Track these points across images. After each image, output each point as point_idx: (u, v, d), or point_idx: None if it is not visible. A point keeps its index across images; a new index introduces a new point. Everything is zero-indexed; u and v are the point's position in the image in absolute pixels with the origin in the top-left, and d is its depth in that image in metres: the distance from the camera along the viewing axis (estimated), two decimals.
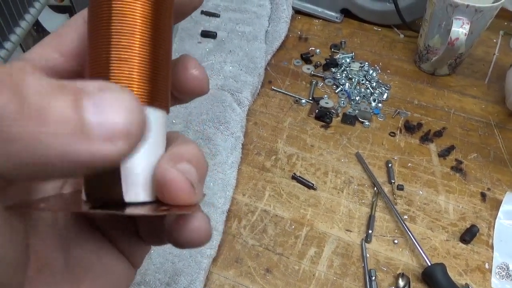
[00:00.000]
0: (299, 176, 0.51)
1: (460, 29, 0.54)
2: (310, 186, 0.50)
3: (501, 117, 0.59)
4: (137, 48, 0.15)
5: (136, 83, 0.15)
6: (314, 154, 0.54)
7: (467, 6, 0.54)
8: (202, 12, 0.70)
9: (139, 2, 0.15)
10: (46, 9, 0.38)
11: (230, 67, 0.60)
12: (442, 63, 0.62)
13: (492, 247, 0.45)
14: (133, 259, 0.20)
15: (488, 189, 0.50)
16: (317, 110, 0.59)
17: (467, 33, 0.54)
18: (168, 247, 0.42)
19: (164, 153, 0.17)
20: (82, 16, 0.17)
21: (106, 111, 0.12)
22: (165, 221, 0.18)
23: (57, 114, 0.11)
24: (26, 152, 0.10)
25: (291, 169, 0.52)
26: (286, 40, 0.70)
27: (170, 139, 0.18)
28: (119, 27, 0.14)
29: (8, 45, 0.30)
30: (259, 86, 0.62)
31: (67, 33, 0.17)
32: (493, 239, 0.46)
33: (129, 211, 0.15)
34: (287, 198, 0.49)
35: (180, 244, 0.17)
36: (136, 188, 0.16)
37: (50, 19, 0.46)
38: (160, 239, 0.20)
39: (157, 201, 0.16)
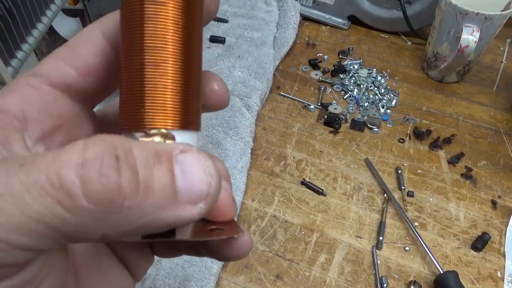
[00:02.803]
0: (309, 182, 0.50)
1: (470, 36, 0.54)
2: (319, 192, 0.50)
3: (510, 125, 0.59)
4: (170, 78, 0.15)
5: (171, 110, 0.15)
6: (323, 160, 0.54)
7: (477, 13, 0.54)
8: None
9: (170, 29, 0.15)
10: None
11: (239, 72, 0.60)
12: (450, 70, 0.62)
13: (504, 256, 0.45)
14: (136, 272, 0.20)
15: (499, 196, 0.50)
16: (325, 116, 0.58)
17: (477, 40, 0.54)
18: None
19: None
20: (98, 28, 0.16)
21: (192, 177, 0.13)
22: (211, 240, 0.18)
23: (159, 185, 0.12)
24: (130, 220, 0.12)
25: (300, 174, 0.52)
26: (294, 46, 0.71)
27: None
28: (153, 55, 0.15)
29: (25, 47, 0.30)
30: (268, 92, 0.62)
31: (82, 47, 0.16)
32: (505, 247, 0.45)
33: (180, 235, 0.15)
34: (297, 203, 0.49)
35: (226, 259, 0.18)
36: None
37: (62, 23, 0.47)
38: (177, 252, 0.20)
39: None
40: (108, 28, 0.16)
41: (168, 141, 0.15)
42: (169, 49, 0.15)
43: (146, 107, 0.15)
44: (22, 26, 0.29)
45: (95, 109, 0.19)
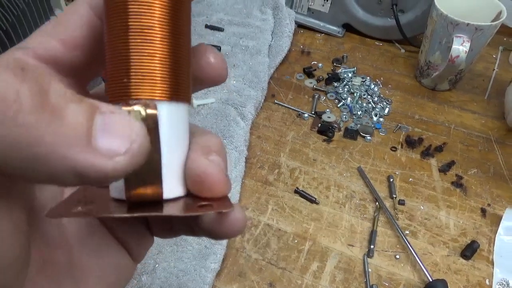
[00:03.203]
0: (302, 190, 0.51)
1: (460, 47, 0.55)
2: (312, 200, 0.51)
3: (501, 133, 0.60)
4: (158, 43, 0.14)
5: (159, 79, 0.14)
6: (317, 168, 0.55)
7: (468, 24, 0.55)
8: (206, 26, 0.71)
9: None
10: None
11: (234, 81, 0.61)
12: (442, 78, 0.63)
13: (492, 263, 0.45)
14: (135, 253, 0.19)
15: (488, 204, 0.51)
16: (319, 124, 0.59)
17: (467, 50, 0.55)
18: (173, 262, 0.42)
19: (192, 145, 0.16)
20: (85, 1, 0.16)
21: (114, 128, 0.12)
22: (201, 216, 0.17)
23: (71, 118, 0.11)
24: (26, 141, 0.10)
25: (293, 183, 0.53)
26: (289, 54, 0.72)
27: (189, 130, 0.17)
28: (137, 20, 0.14)
29: None
30: (262, 100, 0.62)
31: (69, 21, 0.15)
32: (493, 255, 0.46)
33: (168, 210, 0.15)
34: (290, 212, 0.50)
35: (219, 236, 0.17)
36: (170, 184, 0.15)
37: None
38: (174, 232, 0.19)
39: (189, 194, 0.16)
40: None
41: (149, 111, 0.14)
42: (156, 14, 0.14)
43: (132, 77, 0.14)
44: (32, 22, 0.30)
45: (91, 91, 0.18)
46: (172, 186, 0.16)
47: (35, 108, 0.10)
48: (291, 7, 0.77)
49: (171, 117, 0.15)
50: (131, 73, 0.14)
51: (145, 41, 0.14)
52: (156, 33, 0.14)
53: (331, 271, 0.44)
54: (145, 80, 0.14)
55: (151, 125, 0.14)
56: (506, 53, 0.74)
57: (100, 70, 0.17)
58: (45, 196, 0.17)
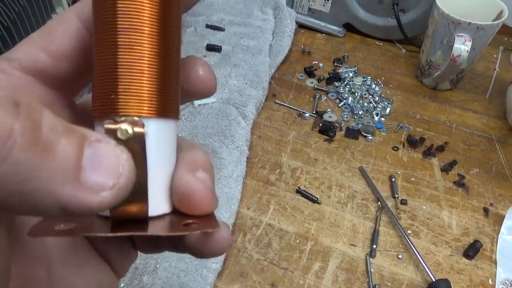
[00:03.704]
0: (303, 190, 0.51)
1: (462, 46, 0.55)
2: (314, 200, 0.50)
3: (502, 132, 0.60)
4: (146, 60, 0.14)
5: (147, 95, 0.14)
6: (318, 168, 0.54)
7: (469, 23, 0.55)
8: (207, 26, 0.71)
9: (147, 5, 0.14)
10: None
11: (235, 81, 0.61)
12: (443, 78, 0.63)
13: (495, 263, 0.45)
14: (119, 268, 0.19)
15: (491, 204, 0.51)
16: (320, 124, 0.59)
17: (469, 50, 0.55)
18: (174, 262, 0.42)
19: (179, 161, 0.16)
20: (74, 12, 0.16)
21: (102, 161, 0.12)
22: (188, 237, 0.17)
23: (62, 152, 0.11)
24: (18, 178, 0.10)
25: (295, 182, 0.52)
26: (290, 54, 0.71)
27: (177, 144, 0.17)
28: (127, 36, 0.14)
29: None
30: (263, 100, 0.62)
31: (56, 31, 0.15)
32: (496, 254, 0.46)
33: (153, 230, 0.15)
34: (292, 212, 0.49)
35: (203, 255, 0.17)
36: (155, 201, 0.15)
37: None
38: (158, 248, 0.19)
39: (174, 211, 0.16)
40: (84, 11, 0.15)
41: (136, 129, 0.14)
42: (145, 30, 0.14)
43: (119, 92, 0.14)
44: (34, 21, 0.30)
45: (78, 101, 0.18)
46: (157, 204, 0.15)
47: (28, 145, 0.10)
48: (291, 7, 0.77)
49: (158, 135, 0.15)
50: (119, 89, 0.14)
51: (134, 57, 0.14)
52: (145, 50, 0.14)
53: (333, 271, 0.44)
54: (132, 97, 0.14)
55: (138, 143, 0.14)
56: (507, 53, 0.74)
57: (87, 82, 0.17)
58: None
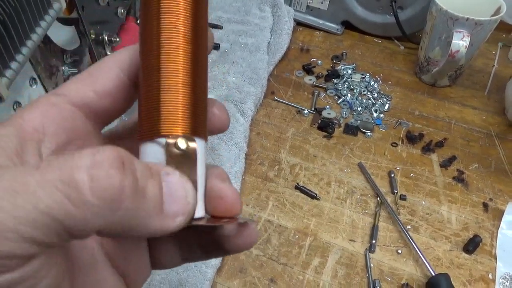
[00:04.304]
0: (302, 186, 0.51)
1: (460, 41, 0.55)
2: (313, 196, 0.50)
3: (501, 128, 0.60)
4: (181, 91, 0.17)
5: (195, 120, 0.17)
6: (317, 164, 0.54)
7: (467, 19, 0.55)
8: None
9: (181, 50, 0.17)
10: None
11: (233, 78, 0.61)
12: (442, 74, 0.63)
13: (495, 258, 0.45)
14: (133, 285, 0.20)
15: (490, 199, 0.51)
16: (319, 121, 0.59)
17: (467, 45, 0.55)
18: None
19: (208, 174, 0.19)
20: (112, 58, 0.19)
21: (176, 194, 0.15)
22: (221, 231, 0.20)
23: (151, 195, 0.14)
24: (125, 220, 0.14)
25: (294, 179, 0.52)
26: (288, 52, 0.71)
27: None
28: (166, 73, 0.17)
29: (19, 58, 0.31)
30: (262, 97, 0.62)
31: (100, 75, 0.19)
32: (496, 249, 0.46)
33: (205, 222, 0.17)
34: (291, 208, 0.49)
35: (236, 248, 0.19)
36: (198, 207, 0.18)
37: (57, 31, 0.47)
38: (184, 256, 0.21)
39: (205, 216, 0.19)
40: (121, 59, 0.19)
41: (191, 144, 0.17)
42: (180, 71, 0.17)
43: (163, 115, 0.17)
44: (16, 38, 0.30)
45: (104, 133, 0.21)
46: (199, 209, 0.18)
47: (133, 195, 0.13)
48: (290, 5, 0.77)
49: (201, 151, 0.18)
50: (163, 112, 0.17)
51: (176, 89, 0.17)
52: (191, 87, 0.17)
53: (333, 267, 0.44)
54: (176, 118, 0.17)
55: (190, 157, 0.17)
56: (506, 49, 0.74)
57: (119, 115, 0.21)
58: None
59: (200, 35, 0.18)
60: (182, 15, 0.17)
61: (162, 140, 0.17)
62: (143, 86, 0.18)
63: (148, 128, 0.17)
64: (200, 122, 0.18)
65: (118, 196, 0.13)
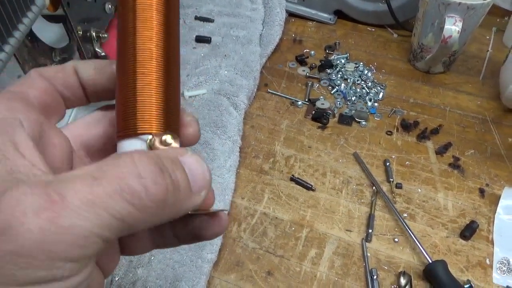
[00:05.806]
0: (298, 178, 0.51)
1: (452, 26, 0.55)
2: (308, 188, 0.50)
3: (496, 113, 0.60)
4: (154, 91, 0.19)
5: (174, 121, 0.20)
6: (312, 155, 0.54)
7: (459, 3, 0.54)
8: (196, 18, 0.70)
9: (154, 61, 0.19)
10: (39, 19, 0.39)
11: (226, 71, 0.60)
12: (436, 61, 0.62)
13: (492, 243, 0.45)
14: (105, 270, 0.21)
15: (487, 184, 0.50)
16: (313, 112, 0.59)
17: (460, 30, 0.54)
18: (169, 254, 0.42)
19: None
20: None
21: (196, 173, 0.18)
22: (194, 222, 0.22)
23: (182, 183, 0.17)
24: (169, 212, 0.17)
25: (289, 171, 0.52)
26: (281, 43, 0.71)
27: None
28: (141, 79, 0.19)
29: (1, 55, 0.30)
30: (255, 90, 0.62)
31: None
32: (493, 234, 0.46)
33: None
34: (286, 200, 0.49)
35: (208, 236, 0.22)
36: None
37: (45, 29, 0.47)
38: (162, 239, 0.23)
39: None
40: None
41: (174, 144, 0.19)
42: (154, 75, 0.19)
43: (141, 114, 0.19)
44: (2, 27, 0.29)
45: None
46: None
47: (173, 192, 0.16)
48: None
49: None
50: (146, 110, 0.19)
51: (147, 94, 0.19)
52: (162, 91, 0.19)
53: (330, 257, 0.44)
54: (152, 116, 0.19)
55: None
56: (500, 34, 0.73)
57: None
58: None
59: (172, 34, 0.20)
60: (155, 20, 0.19)
61: (145, 137, 0.18)
62: (119, 86, 0.19)
63: (127, 125, 0.19)
64: (174, 120, 0.20)
65: (164, 196, 0.16)
